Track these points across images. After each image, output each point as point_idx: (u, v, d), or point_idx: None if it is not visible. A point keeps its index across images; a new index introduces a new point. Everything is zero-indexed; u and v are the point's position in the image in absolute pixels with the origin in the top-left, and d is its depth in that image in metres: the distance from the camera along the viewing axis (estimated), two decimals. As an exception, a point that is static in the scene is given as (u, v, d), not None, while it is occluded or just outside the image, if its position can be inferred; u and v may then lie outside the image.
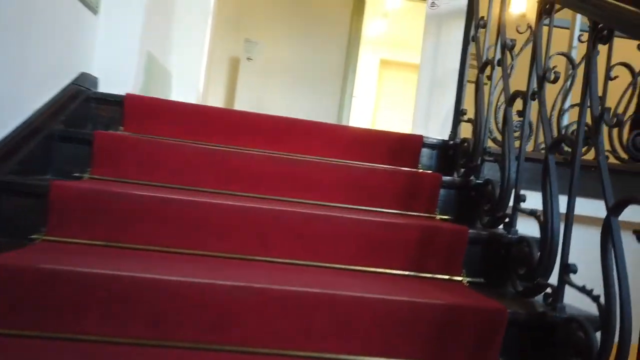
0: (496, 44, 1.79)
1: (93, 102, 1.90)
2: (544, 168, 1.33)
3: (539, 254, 1.32)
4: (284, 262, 1.39)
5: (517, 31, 2.16)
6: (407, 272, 1.43)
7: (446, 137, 2.41)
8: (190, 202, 1.38)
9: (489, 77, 1.83)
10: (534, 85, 1.46)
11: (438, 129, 2.42)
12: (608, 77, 1.61)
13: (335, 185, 1.70)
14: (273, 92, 5.45)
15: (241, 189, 1.66)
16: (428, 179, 1.73)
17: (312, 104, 5.49)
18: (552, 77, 1.39)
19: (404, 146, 2.00)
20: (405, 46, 8.37)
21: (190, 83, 2.89)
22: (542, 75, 1.42)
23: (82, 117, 1.86)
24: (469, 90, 2.07)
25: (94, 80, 1.97)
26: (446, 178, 1.75)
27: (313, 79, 5.48)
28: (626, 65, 1.89)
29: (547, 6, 1.48)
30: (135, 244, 1.35)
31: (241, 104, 5.06)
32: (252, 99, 5.08)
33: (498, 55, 1.77)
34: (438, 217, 1.72)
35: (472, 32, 2.05)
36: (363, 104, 8.12)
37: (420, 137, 2.02)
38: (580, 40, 2.15)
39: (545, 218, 1.29)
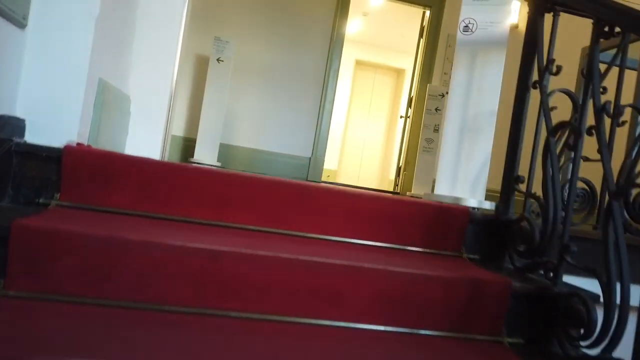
0: (584, 100, 1.34)
1: (16, 157, 1.30)
2: None
3: None
4: None
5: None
6: None
7: (480, 200, 1.96)
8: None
9: (570, 146, 1.37)
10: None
11: (468, 189, 1.96)
12: None
13: (372, 301, 1.20)
14: (247, 96, 4.86)
15: (240, 306, 1.13)
16: (495, 290, 1.26)
17: (290, 109, 4.95)
18: None
19: (446, 222, 1.53)
20: (381, 47, 7.99)
21: (156, 106, 2.28)
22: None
23: (-3, 180, 1.27)
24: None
25: (18, 125, 1.36)
26: (517, 285, 1.29)
27: (291, 83, 4.94)
28: None
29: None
30: None
31: (210, 109, 4.43)
32: (222, 104, 4.45)
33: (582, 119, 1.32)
34: (506, 340, 1.26)
35: (532, 77, 1.60)
36: (337, 104, 7.70)
37: (466, 209, 1.55)
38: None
39: None
